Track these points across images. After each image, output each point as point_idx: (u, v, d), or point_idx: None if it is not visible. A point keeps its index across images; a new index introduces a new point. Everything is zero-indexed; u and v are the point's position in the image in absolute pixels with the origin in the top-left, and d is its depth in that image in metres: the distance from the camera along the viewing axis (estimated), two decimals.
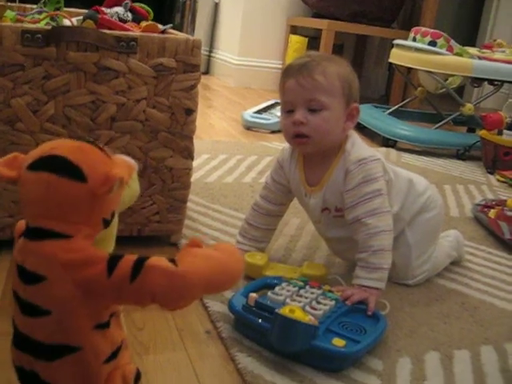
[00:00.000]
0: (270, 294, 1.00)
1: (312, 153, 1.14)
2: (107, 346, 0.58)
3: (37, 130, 1.09)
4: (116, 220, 0.61)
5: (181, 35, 1.20)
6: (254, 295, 0.98)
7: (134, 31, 1.21)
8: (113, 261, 0.55)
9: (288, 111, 1.10)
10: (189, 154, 1.21)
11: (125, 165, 0.60)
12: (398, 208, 1.18)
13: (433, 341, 1.04)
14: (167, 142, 1.18)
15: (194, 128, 1.21)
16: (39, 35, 1.04)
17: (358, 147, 1.13)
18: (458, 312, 1.16)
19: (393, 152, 2.50)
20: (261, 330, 0.93)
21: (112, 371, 0.59)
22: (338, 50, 3.78)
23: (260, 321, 0.94)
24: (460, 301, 1.21)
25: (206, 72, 4.17)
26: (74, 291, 0.54)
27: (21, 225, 0.60)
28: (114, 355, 0.59)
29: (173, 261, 0.56)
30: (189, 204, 1.47)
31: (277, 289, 1.03)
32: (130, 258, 0.55)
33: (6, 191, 1.11)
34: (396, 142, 2.57)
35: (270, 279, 1.10)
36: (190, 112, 1.18)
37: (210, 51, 4.19)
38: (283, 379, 0.87)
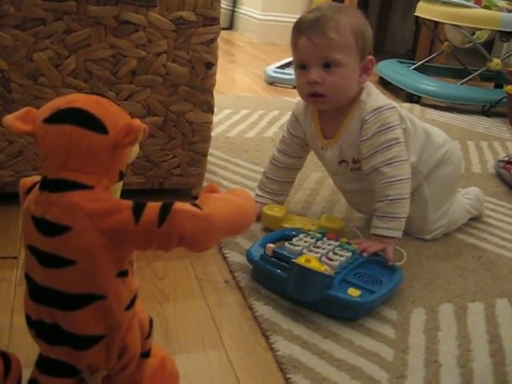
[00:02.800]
0: (287, 244, 1.02)
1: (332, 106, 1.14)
2: (127, 294, 0.60)
3: (59, 85, 1.11)
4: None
5: None
6: (271, 245, 1.00)
7: None
8: (138, 208, 0.56)
9: (302, 67, 1.10)
10: (209, 108, 1.22)
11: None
12: (416, 159, 1.18)
13: (448, 293, 1.06)
14: (187, 96, 1.19)
15: (214, 82, 1.22)
16: None
17: (374, 97, 1.12)
18: (475, 266, 1.17)
19: (417, 107, 2.47)
20: (278, 279, 0.95)
21: (131, 319, 0.61)
22: (363, 3, 3.71)
23: (277, 270, 0.96)
24: (477, 255, 1.22)
25: (230, 27, 4.13)
26: (99, 240, 0.55)
27: (26, 181, 0.62)
28: (132, 303, 0.61)
29: (195, 205, 0.58)
30: (210, 158, 1.49)
31: (294, 240, 1.04)
32: (155, 205, 0.57)
33: (31, 145, 1.13)
34: (420, 97, 2.54)
35: (288, 231, 1.12)
36: (210, 66, 1.18)
37: (234, 6, 4.14)
38: (299, 327, 0.90)
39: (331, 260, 0.99)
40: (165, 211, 0.55)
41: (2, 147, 1.12)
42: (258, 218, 1.20)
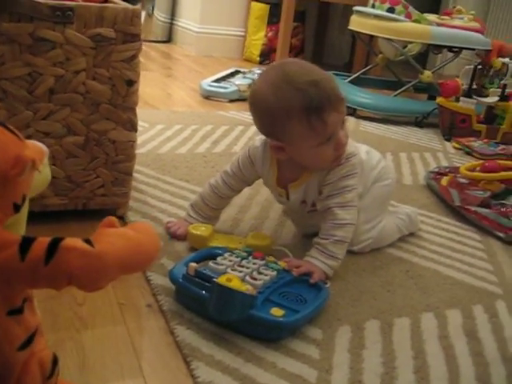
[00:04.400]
0: (211, 263, 1.01)
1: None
2: (21, 332, 0.57)
3: None
4: (27, 205, 0.59)
5: (120, 4, 1.17)
6: (193, 265, 0.98)
7: (70, 0, 1.17)
8: (25, 243, 0.53)
9: (328, 139, 1.08)
10: (132, 126, 1.20)
11: (36, 149, 0.59)
12: (361, 189, 1.21)
13: (374, 309, 1.05)
14: (109, 115, 1.16)
15: (137, 99, 1.19)
16: None
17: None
18: (402, 280, 1.18)
19: (351, 120, 2.49)
20: (200, 299, 0.93)
21: (28, 358, 0.58)
22: (300, 16, 3.75)
23: (199, 290, 0.94)
24: (405, 268, 1.23)
25: (168, 40, 4.10)
26: None
27: None
28: (29, 341, 0.57)
29: (88, 241, 0.55)
30: (138, 176, 1.47)
31: (219, 259, 1.03)
32: (43, 240, 0.54)
33: None
34: (355, 109, 2.57)
35: (213, 250, 1.10)
36: (132, 83, 1.16)
37: (172, 19, 4.11)
38: (221, 351, 0.88)
39: (255, 279, 0.97)
40: (52, 248, 0.53)
41: None
42: (185, 238, 1.18)
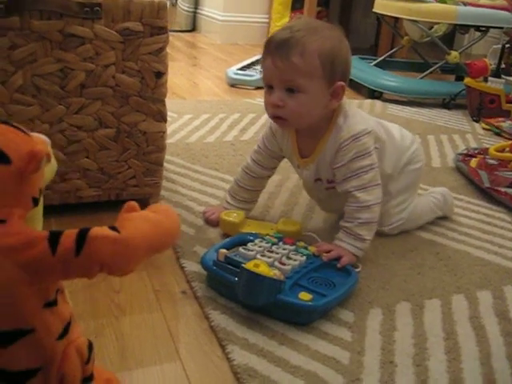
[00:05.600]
0: (241, 249, 1.03)
1: (298, 128, 1.14)
2: (58, 323, 0.59)
3: (7, 101, 1.09)
4: (41, 197, 0.62)
5: None
6: (223, 251, 1.00)
7: None
8: (54, 238, 0.55)
9: (269, 87, 1.08)
10: (162, 117, 1.22)
11: (41, 141, 0.60)
12: (391, 170, 1.21)
13: (405, 291, 1.07)
14: (139, 107, 1.19)
15: (166, 91, 1.21)
16: (1, 5, 1.03)
17: (351, 121, 1.11)
18: (433, 262, 1.19)
19: (378, 103, 2.49)
20: (229, 284, 0.96)
21: (66, 347, 0.60)
22: (323, 1, 3.73)
23: (228, 275, 0.97)
24: (435, 251, 1.23)
25: (193, 29, 4.12)
26: (17, 275, 0.54)
27: None
28: (66, 331, 0.60)
29: (113, 228, 0.57)
30: (169, 166, 1.49)
31: (249, 245, 1.05)
32: (70, 233, 0.56)
33: None
34: (382, 93, 2.56)
35: (245, 236, 1.12)
36: (160, 75, 1.18)
37: (196, 8, 4.13)
38: (254, 334, 0.90)
39: (283, 264, 0.99)
40: (81, 239, 0.55)
41: None
42: (217, 224, 1.21)
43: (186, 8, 4.05)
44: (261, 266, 0.92)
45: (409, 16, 2.52)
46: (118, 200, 1.26)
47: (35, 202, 0.59)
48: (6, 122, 0.58)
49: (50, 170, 0.62)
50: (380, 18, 2.93)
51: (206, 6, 4.00)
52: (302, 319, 0.93)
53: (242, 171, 1.26)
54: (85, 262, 0.55)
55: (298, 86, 1.04)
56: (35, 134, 0.62)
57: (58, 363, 0.60)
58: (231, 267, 0.97)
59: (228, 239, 1.11)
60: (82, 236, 0.55)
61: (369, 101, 2.50)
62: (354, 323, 0.96)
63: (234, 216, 1.19)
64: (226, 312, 0.95)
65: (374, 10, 2.76)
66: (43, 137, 0.62)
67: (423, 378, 0.85)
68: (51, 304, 0.58)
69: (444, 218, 1.39)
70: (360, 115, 1.15)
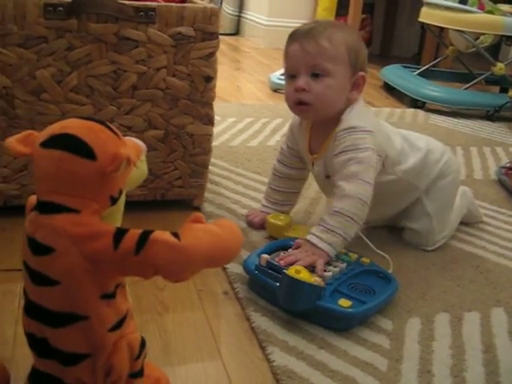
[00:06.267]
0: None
1: (316, 120, 1.15)
2: (113, 315, 0.61)
3: (61, 100, 1.13)
4: (123, 198, 0.64)
5: (199, 3, 1.22)
6: (265, 256, 1.02)
7: (152, 1, 1.23)
8: (119, 234, 0.58)
9: (291, 76, 1.10)
10: (209, 121, 1.25)
11: (134, 146, 0.63)
12: (421, 184, 1.21)
13: (444, 303, 1.07)
14: (187, 109, 1.21)
15: (214, 95, 1.24)
16: (61, 8, 1.07)
17: (354, 115, 1.10)
18: (473, 275, 1.18)
19: (421, 113, 2.48)
20: (271, 289, 0.98)
21: (118, 339, 0.62)
22: (368, 8, 3.73)
23: (270, 280, 0.99)
24: (475, 263, 1.23)
25: (236, 33, 4.16)
26: (81, 263, 0.57)
27: (32, 199, 0.64)
28: (120, 324, 0.62)
29: (176, 235, 0.59)
30: (212, 168, 1.52)
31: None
32: (135, 232, 0.58)
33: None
34: (425, 103, 2.55)
35: (287, 241, 1.13)
36: (209, 79, 1.21)
37: (240, 12, 4.16)
38: (294, 337, 0.92)
39: (324, 271, 1.00)
40: (143, 240, 0.57)
41: (6, 162, 1.15)
42: (260, 227, 1.24)
43: (230, 12, 4.09)
44: (302, 272, 0.94)
45: (455, 26, 2.51)
46: (163, 200, 1.29)
47: (113, 201, 0.61)
48: (103, 122, 0.61)
49: (136, 174, 0.64)
50: (425, 27, 2.92)
51: (251, 11, 4.03)
52: (341, 325, 0.95)
53: (271, 173, 1.29)
54: (141, 262, 0.57)
55: (324, 69, 1.07)
56: (131, 139, 0.65)
57: (108, 354, 0.62)
58: (273, 272, 0.99)
59: (271, 243, 1.13)
60: (144, 237, 0.57)
61: (411, 110, 2.49)
62: (393, 331, 0.97)
63: (280, 219, 1.22)
64: (266, 314, 0.97)
65: (419, 19, 2.75)
66: (139, 143, 0.65)
67: None
68: (109, 296, 0.61)
69: (485, 230, 1.39)
70: (366, 116, 1.14)
